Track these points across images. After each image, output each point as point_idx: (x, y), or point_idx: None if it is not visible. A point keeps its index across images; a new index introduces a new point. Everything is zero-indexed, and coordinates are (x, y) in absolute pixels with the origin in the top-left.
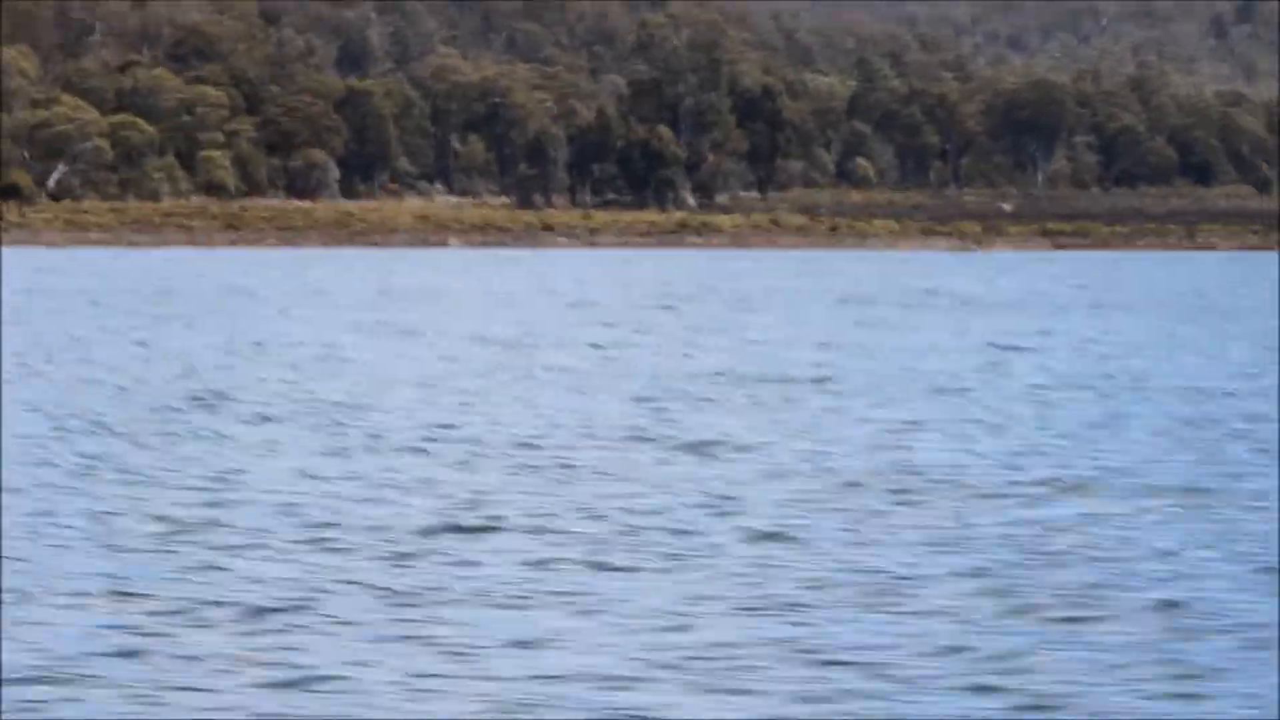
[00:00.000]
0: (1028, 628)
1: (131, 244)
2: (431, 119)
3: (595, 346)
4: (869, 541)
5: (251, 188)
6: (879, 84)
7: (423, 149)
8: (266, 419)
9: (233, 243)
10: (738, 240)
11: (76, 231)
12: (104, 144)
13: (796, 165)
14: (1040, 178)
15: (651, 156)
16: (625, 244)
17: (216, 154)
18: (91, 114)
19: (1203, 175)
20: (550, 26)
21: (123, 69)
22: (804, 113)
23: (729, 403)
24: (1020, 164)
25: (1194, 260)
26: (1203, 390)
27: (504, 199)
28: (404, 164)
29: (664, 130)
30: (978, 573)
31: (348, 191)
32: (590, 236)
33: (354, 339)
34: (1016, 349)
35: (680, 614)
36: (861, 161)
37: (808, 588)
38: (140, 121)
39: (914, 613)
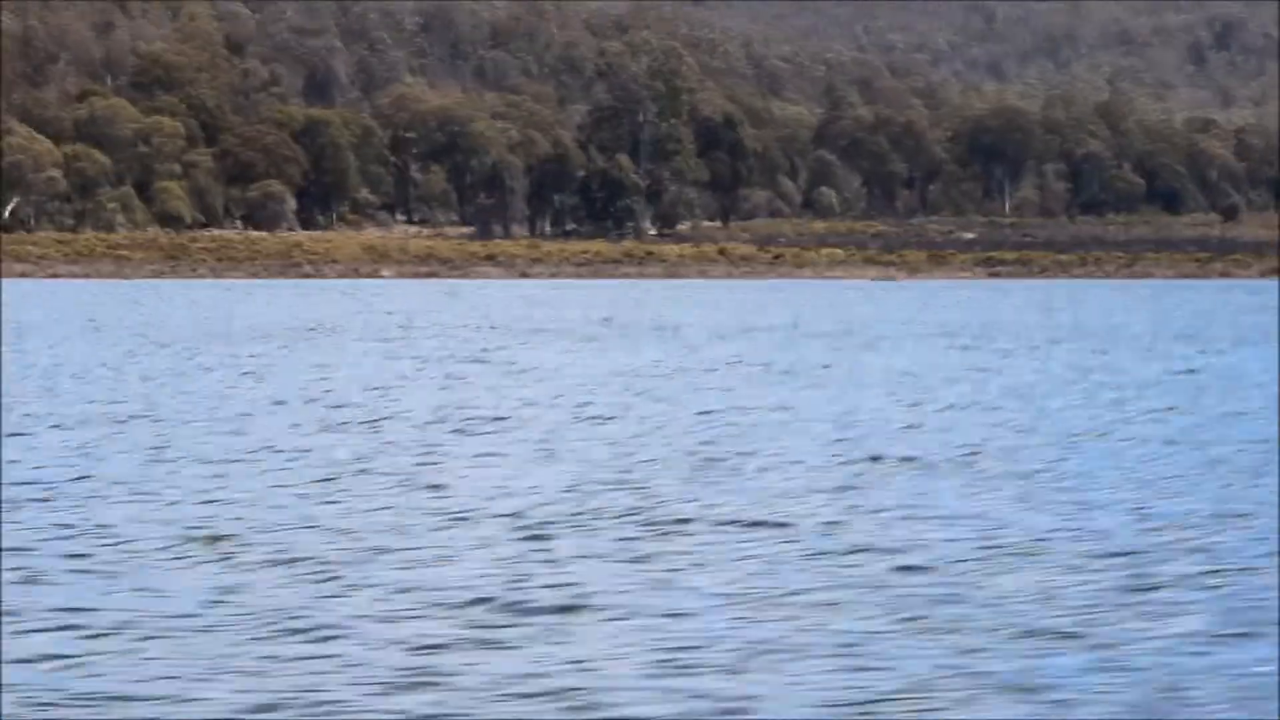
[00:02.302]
0: None
1: (54, 275)
2: (391, 148)
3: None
4: None
5: (209, 219)
6: (846, 112)
7: (383, 179)
8: None
9: (159, 274)
10: (672, 270)
11: (22, 264)
12: (57, 175)
13: (763, 194)
14: (1007, 205)
15: (611, 186)
16: (557, 274)
17: (172, 185)
18: (45, 145)
19: (1170, 202)
20: (518, 55)
21: (80, 99)
22: (768, 141)
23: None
24: (989, 191)
25: (1096, 289)
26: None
27: (463, 229)
28: (364, 194)
29: (623, 159)
30: None
31: (306, 222)
32: (528, 266)
33: None
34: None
35: None
36: (825, 190)
37: None
38: (95, 152)
39: None
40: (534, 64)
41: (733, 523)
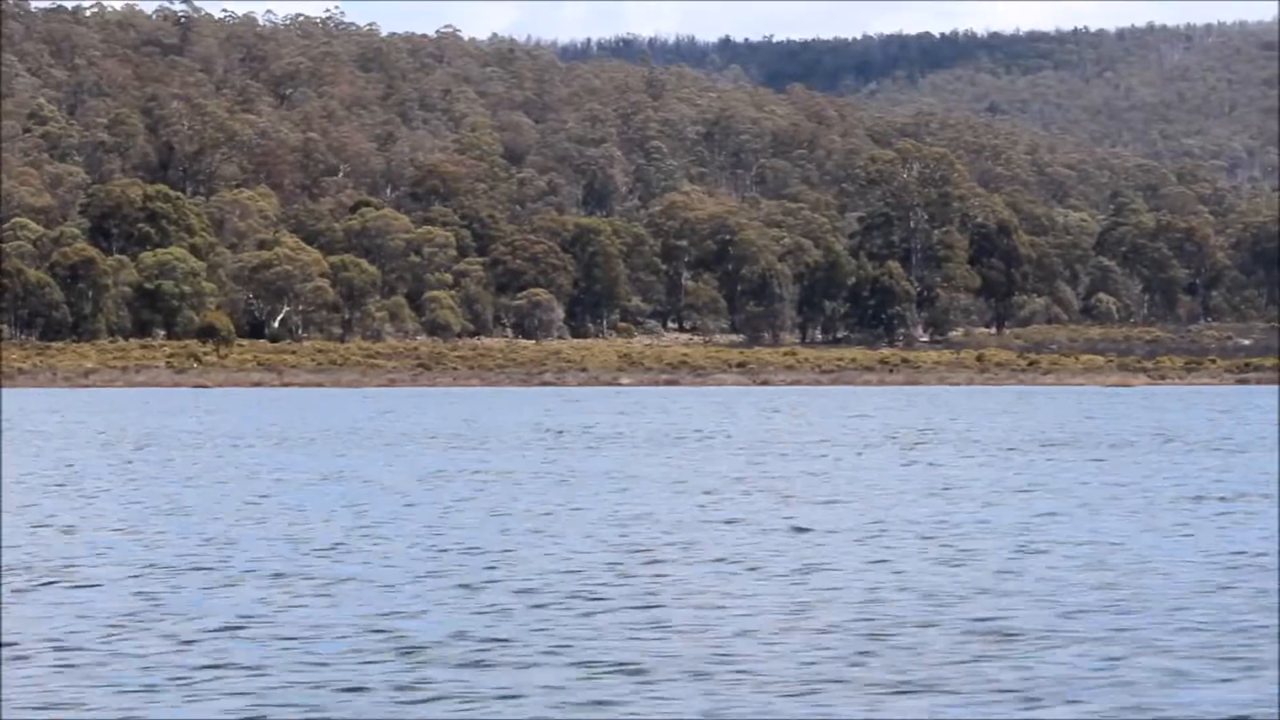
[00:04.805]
0: None
1: (288, 384)
2: (662, 256)
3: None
4: None
5: (478, 327)
6: (1128, 218)
7: (654, 287)
8: None
9: (395, 382)
10: (912, 378)
11: (264, 372)
12: (325, 284)
13: (1040, 301)
14: None
15: (881, 293)
16: (800, 381)
17: (442, 294)
18: (312, 255)
19: None
20: (799, 163)
21: (353, 209)
22: (1045, 248)
23: None
24: (1273, 298)
25: None
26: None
27: (733, 337)
28: (635, 302)
29: (894, 266)
30: None
31: (577, 330)
32: (772, 374)
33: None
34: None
35: None
36: (1104, 297)
37: None
38: (362, 262)
39: None
40: (815, 171)
41: None
